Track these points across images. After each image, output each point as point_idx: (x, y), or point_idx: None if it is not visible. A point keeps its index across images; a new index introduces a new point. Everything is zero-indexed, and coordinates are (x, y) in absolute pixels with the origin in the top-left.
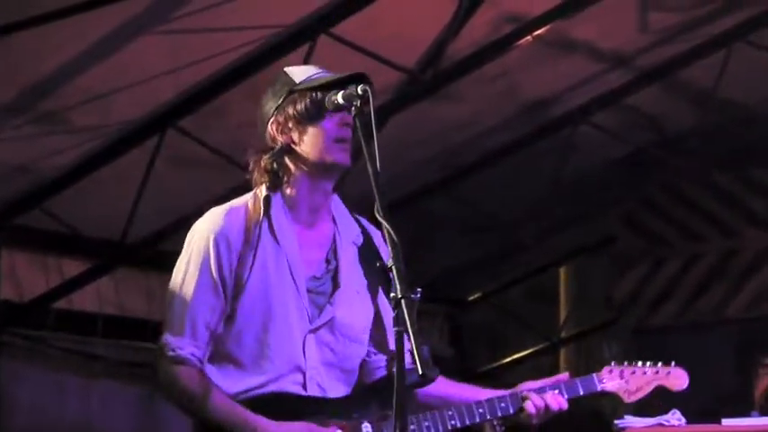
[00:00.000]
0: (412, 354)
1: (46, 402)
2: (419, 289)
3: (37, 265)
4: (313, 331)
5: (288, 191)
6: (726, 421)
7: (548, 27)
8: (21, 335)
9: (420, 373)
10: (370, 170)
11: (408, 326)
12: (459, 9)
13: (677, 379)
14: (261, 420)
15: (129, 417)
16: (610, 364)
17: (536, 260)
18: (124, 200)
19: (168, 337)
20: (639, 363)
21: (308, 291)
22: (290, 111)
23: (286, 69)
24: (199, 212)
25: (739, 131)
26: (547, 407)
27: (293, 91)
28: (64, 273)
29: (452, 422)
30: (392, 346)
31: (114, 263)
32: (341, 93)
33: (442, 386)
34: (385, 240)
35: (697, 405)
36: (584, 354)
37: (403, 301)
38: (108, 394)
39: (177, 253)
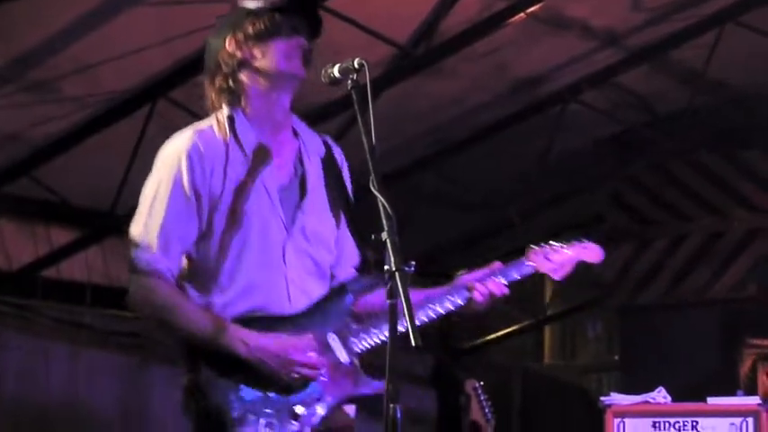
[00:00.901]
0: (405, 324)
1: (33, 370)
2: (413, 262)
3: (26, 234)
4: (290, 239)
5: (247, 108)
6: (711, 400)
7: (540, 5)
8: (9, 303)
9: (414, 344)
10: (365, 143)
11: (402, 297)
12: None
13: (592, 251)
14: (240, 330)
15: (115, 385)
16: (531, 247)
17: (523, 238)
18: (114, 170)
19: (139, 253)
20: (556, 243)
21: (280, 200)
22: (249, 29)
23: (239, 3)
24: None
25: (729, 112)
26: (491, 293)
27: (251, 13)
28: (53, 241)
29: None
30: (348, 257)
31: (103, 233)
32: (337, 66)
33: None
34: (383, 208)
35: (682, 383)
36: (568, 332)
37: (397, 273)
38: (95, 363)
39: None
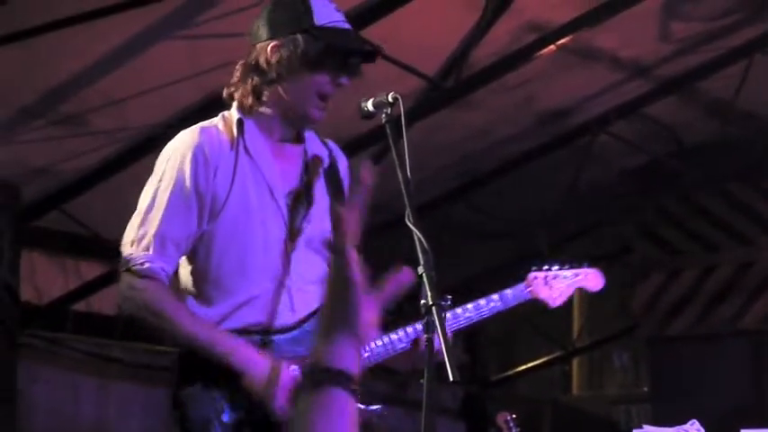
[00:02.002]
0: (443, 358)
1: (63, 404)
2: (449, 296)
3: (56, 267)
4: (294, 248)
5: (262, 114)
6: None
7: (570, 36)
8: (39, 336)
9: (451, 378)
10: (400, 176)
11: (440, 332)
12: (483, 17)
13: (594, 280)
14: (232, 341)
15: (144, 419)
16: (531, 270)
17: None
18: None
19: (133, 252)
20: (556, 266)
21: (287, 206)
22: (299, 48)
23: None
24: None
25: (757, 143)
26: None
27: (309, 30)
28: (83, 275)
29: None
30: None
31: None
32: (371, 100)
33: None
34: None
35: (713, 415)
36: (596, 363)
37: (434, 307)
38: (124, 396)
39: None
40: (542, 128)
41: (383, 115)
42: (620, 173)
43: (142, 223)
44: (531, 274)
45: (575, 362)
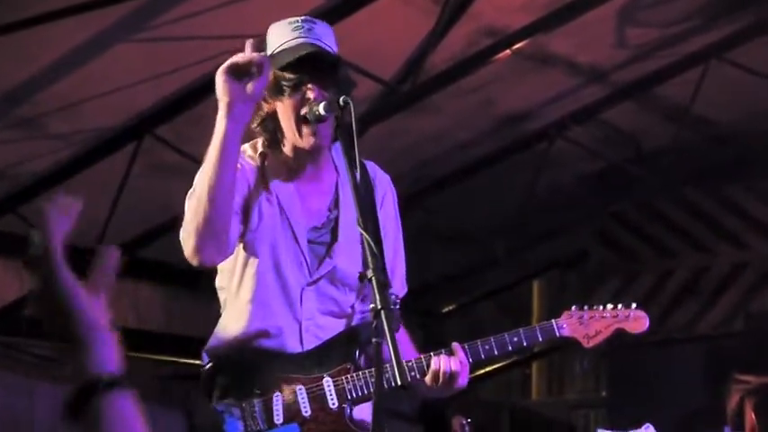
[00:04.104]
0: (392, 363)
1: (18, 409)
2: (398, 300)
3: (11, 271)
4: (312, 283)
5: (283, 146)
6: None
7: (526, 41)
8: None
9: (399, 382)
10: (350, 181)
11: (388, 336)
12: (439, 22)
13: (637, 321)
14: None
15: None
16: (569, 309)
17: (509, 274)
18: (100, 207)
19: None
20: (601, 306)
21: (309, 241)
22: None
23: (269, 29)
24: (175, 221)
25: (713, 148)
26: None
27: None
28: None
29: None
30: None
31: (88, 270)
32: (322, 104)
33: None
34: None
35: (669, 420)
36: (556, 368)
37: (383, 311)
38: None
39: (154, 261)
40: (500, 132)
41: (334, 119)
42: (578, 178)
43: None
44: (566, 313)
45: (535, 366)
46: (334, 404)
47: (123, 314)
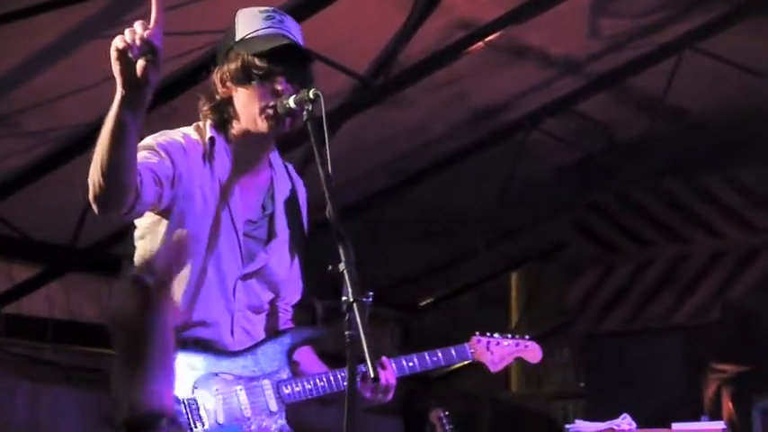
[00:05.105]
0: (364, 356)
1: None
2: (371, 293)
3: None
4: (244, 277)
5: (232, 134)
6: (675, 425)
7: (499, 33)
8: None
9: (372, 375)
10: (321, 174)
11: (360, 329)
12: (412, 15)
13: (533, 352)
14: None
15: (78, 422)
16: (475, 334)
17: (487, 266)
18: (75, 204)
19: None
20: (497, 334)
21: (244, 234)
22: (226, 68)
23: (237, 15)
24: None
25: (688, 138)
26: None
27: (232, 47)
28: (14, 277)
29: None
30: (291, 296)
31: (65, 267)
32: (292, 97)
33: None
34: (340, 241)
35: (647, 409)
36: None
37: (355, 304)
38: (58, 399)
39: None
40: (475, 125)
41: (304, 113)
42: (555, 170)
43: None
44: (475, 338)
45: None
46: (273, 406)
47: (95, 311)
